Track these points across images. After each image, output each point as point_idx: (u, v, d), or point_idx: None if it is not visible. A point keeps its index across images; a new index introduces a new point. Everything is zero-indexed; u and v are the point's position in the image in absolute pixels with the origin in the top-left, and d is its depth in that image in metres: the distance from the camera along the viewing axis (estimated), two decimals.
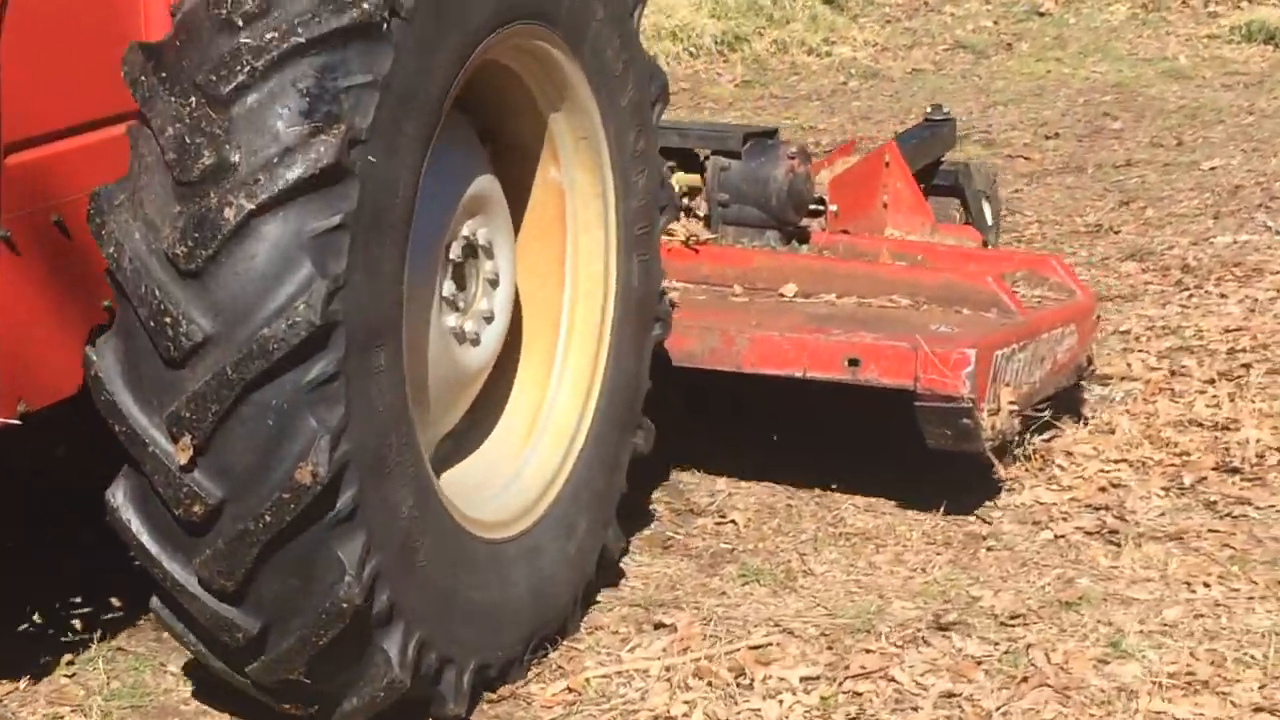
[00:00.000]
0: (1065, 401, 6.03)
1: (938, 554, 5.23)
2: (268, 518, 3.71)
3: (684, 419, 5.64)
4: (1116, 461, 5.74)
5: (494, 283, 4.54)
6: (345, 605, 3.81)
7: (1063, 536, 5.30)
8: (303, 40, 3.70)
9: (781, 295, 5.78)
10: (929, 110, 7.43)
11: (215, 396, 3.66)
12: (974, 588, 4.99)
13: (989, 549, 5.25)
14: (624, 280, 4.84)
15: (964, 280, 5.75)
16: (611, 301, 4.82)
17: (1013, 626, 4.72)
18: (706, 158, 6.14)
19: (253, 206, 3.63)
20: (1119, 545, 5.20)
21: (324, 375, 3.70)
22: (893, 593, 4.97)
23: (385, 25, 3.76)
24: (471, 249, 4.45)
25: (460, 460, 4.61)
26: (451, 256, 4.35)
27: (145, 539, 3.84)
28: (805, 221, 6.27)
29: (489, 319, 4.53)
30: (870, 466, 5.64)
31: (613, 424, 4.84)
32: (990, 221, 7.16)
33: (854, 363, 5.23)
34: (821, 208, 6.29)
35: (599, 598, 4.94)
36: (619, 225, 4.80)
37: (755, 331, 5.39)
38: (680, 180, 6.11)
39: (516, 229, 4.78)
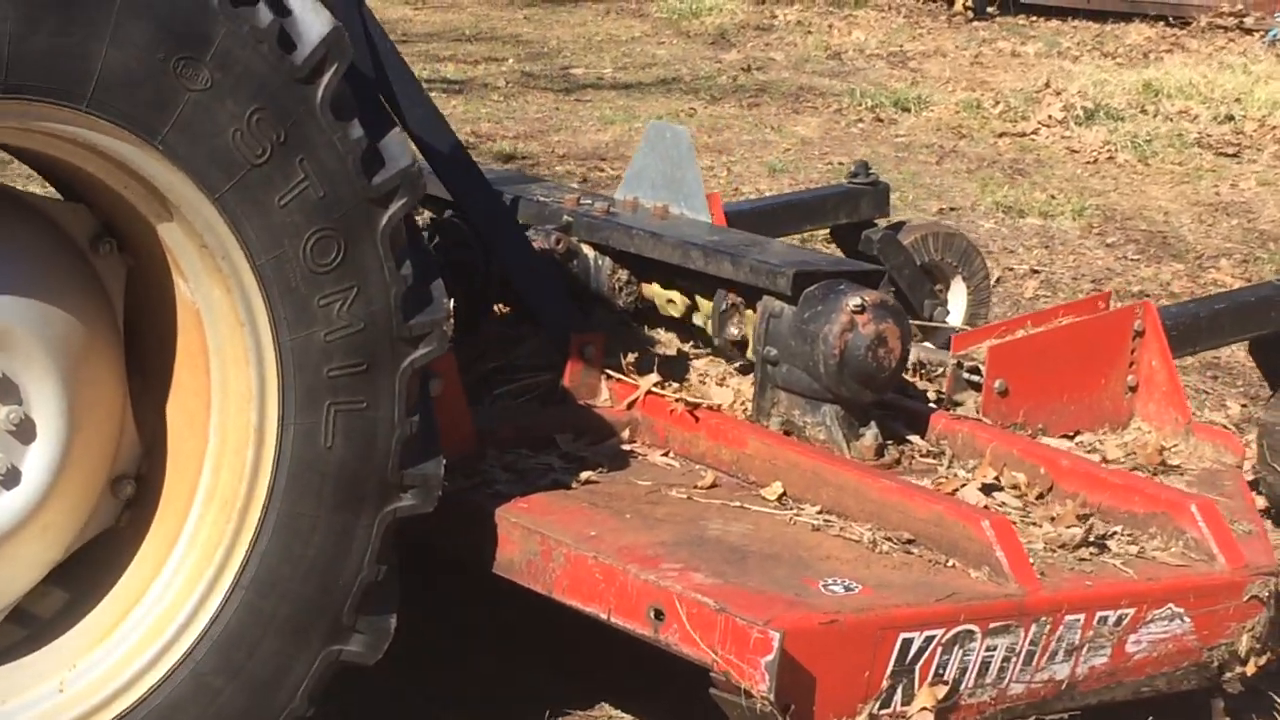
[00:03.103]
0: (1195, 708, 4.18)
1: None
2: None
3: None
4: None
5: (18, 434, 3.46)
6: None
7: None
8: None
9: (763, 498, 4.21)
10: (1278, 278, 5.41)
11: None
12: None
13: None
14: (299, 437, 3.59)
15: (955, 520, 3.93)
16: (269, 464, 3.60)
17: None
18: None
19: None
20: None
21: None
22: None
23: None
24: None
25: None
26: None
27: None
28: (960, 396, 4.64)
29: (7, 481, 3.45)
30: None
31: (268, 626, 3.62)
32: None
33: (659, 615, 3.66)
34: (976, 378, 4.64)
35: None
36: (283, 364, 3.57)
37: (575, 548, 3.87)
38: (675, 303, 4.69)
39: (169, 357, 3.67)
